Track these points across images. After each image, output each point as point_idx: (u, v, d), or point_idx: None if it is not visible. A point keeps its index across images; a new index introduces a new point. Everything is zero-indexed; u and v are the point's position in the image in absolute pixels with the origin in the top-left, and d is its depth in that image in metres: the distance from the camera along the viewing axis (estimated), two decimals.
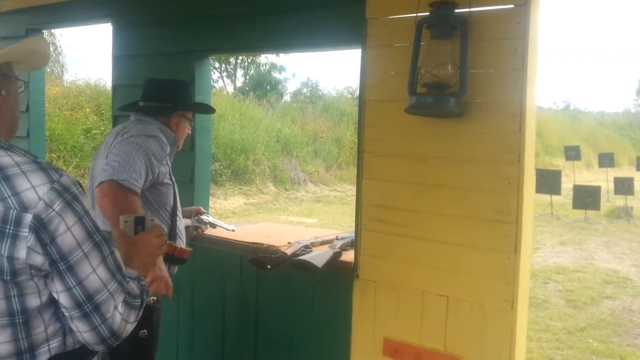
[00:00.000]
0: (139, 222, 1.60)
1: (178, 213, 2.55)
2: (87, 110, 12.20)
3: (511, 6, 2.13)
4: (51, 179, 1.21)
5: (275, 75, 22.16)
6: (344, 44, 2.60)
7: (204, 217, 2.91)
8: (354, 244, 2.70)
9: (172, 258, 2.35)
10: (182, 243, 2.54)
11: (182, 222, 2.61)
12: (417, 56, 2.24)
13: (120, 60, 3.32)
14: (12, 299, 1.20)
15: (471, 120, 2.22)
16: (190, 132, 2.63)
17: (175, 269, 2.53)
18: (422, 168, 2.34)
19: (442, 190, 2.30)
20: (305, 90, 25.27)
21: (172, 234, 2.49)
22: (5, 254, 1.16)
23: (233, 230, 2.98)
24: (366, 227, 2.51)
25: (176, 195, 2.53)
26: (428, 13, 2.22)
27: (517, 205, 2.15)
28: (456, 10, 2.19)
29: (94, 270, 1.24)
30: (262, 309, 2.90)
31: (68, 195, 1.22)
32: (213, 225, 2.93)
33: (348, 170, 16.57)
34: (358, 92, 2.53)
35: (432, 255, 2.32)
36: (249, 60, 20.86)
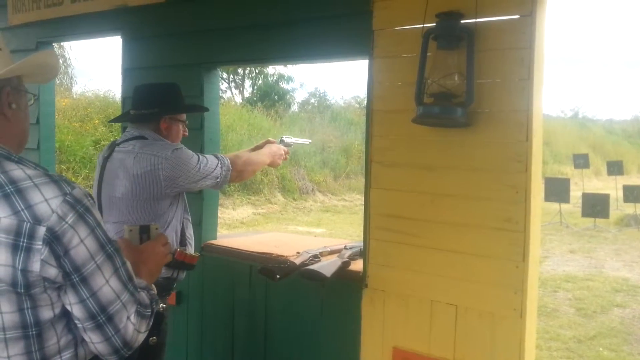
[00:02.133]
0: (144, 231, 1.63)
1: (187, 217, 2.59)
2: (96, 121, 12.31)
3: (517, 16, 2.15)
4: (63, 191, 1.23)
5: (283, 85, 22.27)
6: (351, 55, 2.62)
7: (284, 138, 3.02)
8: (362, 254, 2.71)
9: (183, 264, 2.37)
10: (191, 249, 2.58)
11: (190, 228, 2.64)
12: (424, 67, 2.26)
13: (130, 72, 3.36)
14: (26, 311, 1.21)
15: (478, 130, 2.23)
16: (186, 134, 2.63)
17: (184, 274, 2.56)
18: (430, 177, 2.36)
19: (450, 200, 2.31)
20: (313, 100, 25.36)
21: (183, 239, 2.54)
22: (20, 267, 1.17)
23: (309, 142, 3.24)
24: (375, 236, 2.52)
25: (185, 201, 2.58)
26: (434, 24, 2.24)
27: (525, 213, 2.15)
28: (462, 21, 2.21)
29: (107, 281, 1.26)
30: (271, 318, 2.91)
31: (80, 208, 1.23)
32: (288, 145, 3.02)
33: (356, 179, 16.58)
34: (366, 102, 2.55)
35: (440, 264, 2.33)
36: (257, 71, 20.97)
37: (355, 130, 18.72)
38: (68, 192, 1.23)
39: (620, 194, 14.19)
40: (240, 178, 2.68)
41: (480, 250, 2.24)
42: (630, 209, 13.48)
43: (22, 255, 1.17)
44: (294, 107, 23.30)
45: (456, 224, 2.30)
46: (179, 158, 2.41)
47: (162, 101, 2.53)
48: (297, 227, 11.99)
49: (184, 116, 2.62)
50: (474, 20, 2.20)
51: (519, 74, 2.15)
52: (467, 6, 2.22)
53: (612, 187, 16.01)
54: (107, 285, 1.25)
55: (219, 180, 2.52)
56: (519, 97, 2.15)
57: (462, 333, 2.30)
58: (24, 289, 1.19)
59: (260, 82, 21.96)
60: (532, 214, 2.16)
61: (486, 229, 2.23)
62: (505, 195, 2.19)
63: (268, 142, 2.89)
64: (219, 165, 2.52)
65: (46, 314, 1.23)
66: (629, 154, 29.13)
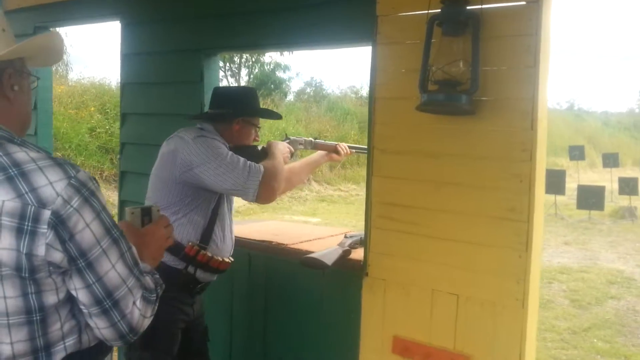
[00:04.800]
0: (146, 213, 1.58)
1: (222, 217, 2.49)
2: (92, 109, 12.23)
3: (523, 3, 2.13)
4: (68, 174, 1.20)
5: (280, 74, 22.17)
6: (354, 42, 2.59)
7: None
8: (363, 242, 2.70)
9: (193, 260, 2.35)
10: (219, 249, 2.47)
11: (229, 230, 2.55)
12: (429, 53, 2.23)
13: (129, 58, 3.31)
14: (30, 296, 1.19)
15: (483, 118, 2.21)
16: (258, 139, 2.61)
17: (211, 276, 2.49)
18: (433, 165, 2.34)
19: (454, 188, 2.29)
20: (309, 89, 25.27)
21: (206, 238, 2.43)
22: (24, 251, 1.15)
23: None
24: (376, 224, 2.50)
25: (224, 200, 2.49)
26: (439, 10, 2.21)
27: (529, 203, 2.14)
28: (468, 7, 2.18)
29: (113, 266, 1.24)
30: (271, 307, 2.90)
31: (85, 191, 1.21)
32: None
33: (352, 169, 16.57)
34: (368, 90, 2.52)
35: (442, 253, 2.32)
36: (253, 59, 20.87)
37: (351, 120, 18.69)
38: (73, 175, 1.21)
39: (615, 186, 14.23)
40: (274, 192, 2.43)
41: (482, 239, 2.23)
42: (625, 201, 13.54)
43: (26, 238, 1.15)
44: (290, 97, 23.24)
45: (459, 212, 2.28)
46: (201, 145, 2.34)
47: (238, 103, 2.52)
48: (292, 217, 11.98)
49: (258, 120, 2.60)
50: (479, 6, 2.17)
51: (525, 61, 2.12)
52: None
53: (607, 180, 16.05)
54: (113, 270, 1.23)
55: (244, 189, 2.33)
56: (524, 85, 2.13)
57: (463, 322, 2.29)
58: (28, 273, 1.17)
59: (256, 70, 21.87)
60: (536, 204, 2.15)
61: (489, 218, 2.21)
62: (510, 184, 2.17)
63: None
64: (249, 173, 2.32)
65: (50, 299, 1.21)
66: (624, 146, 29.20)
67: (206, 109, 2.99)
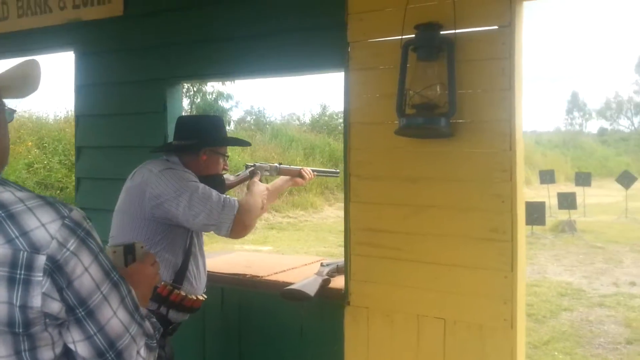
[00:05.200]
0: (129, 251, 1.47)
1: (195, 253, 2.38)
2: (29, 143, 11.76)
3: (496, 27, 2.16)
4: (61, 214, 1.09)
5: (222, 103, 21.99)
6: (326, 68, 2.57)
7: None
8: (340, 270, 2.65)
9: (165, 300, 2.23)
10: (193, 287, 2.36)
11: (202, 266, 2.44)
12: (405, 78, 2.24)
13: (85, 89, 3.18)
14: (23, 354, 1.06)
15: (461, 140, 2.22)
16: (227, 168, 2.50)
17: (183, 316, 2.36)
18: (413, 189, 2.32)
19: (435, 211, 2.28)
20: (249, 117, 25.13)
21: (180, 277, 2.31)
22: (18, 303, 1.03)
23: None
24: (356, 251, 2.46)
25: (196, 234, 2.38)
26: (413, 35, 2.23)
27: (512, 223, 2.15)
28: (442, 32, 2.20)
29: (115, 313, 1.12)
30: (247, 344, 2.78)
31: (81, 232, 1.10)
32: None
33: (299, 196, 16.51)
34: (343, 115, 2.50)
35: (426, 278, 2.29)
36: (195, 89, 20.62)
37: (296, 147, 18.70)
38: (66, 214, 1.09)
39: (553, 201, 14.71)
40: (246, 228, 2.33)
41: (467, 261, 2.22)
42: (564, 215, 13.99)
43: (19, 289, 1.02)
44: (231, 126, 23.01)
45: (441, 235, 2.27)
46: (170, 178, 2.23)
47: (204, 132, 2.41)
48: (243, 246, 11.75)
49: (226, 150, 2.49)
50: (453, 31, 2.20)
51: (501, 84, 2.15)
52: (446, 17, 2.21)
53: (543, 196, 16.54)
54: (114, 317, 1.12)
55: (218, 224, 2.22)
56: (501, 107, 2.16)
57: (451, 347, 2.26)
58: (22, 328, 1.04)
59: (198, 100, 21.61)
60: (519, 223, 2.17)
61: (473, 240, 2.21)
62: (491, 205, 2.18)
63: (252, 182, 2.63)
64: (223, 207, 2.22)
65: (46, 355, 1.09)
66: (555, 164, 30.38)
67: (170, 139, 2.90)
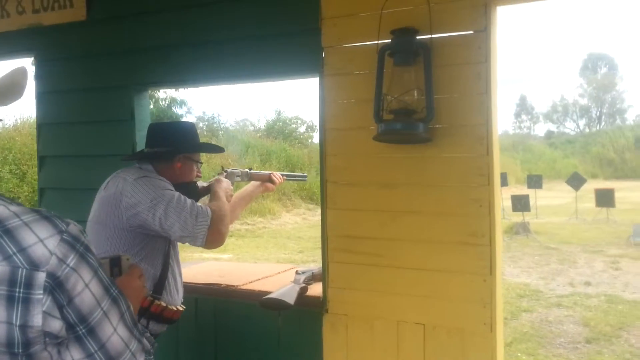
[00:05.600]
0: (115, 264, 1.42)
1: (172, 263, 2.32)
2: None
3: (471, 32, 2.18)
4: (59, 229, 1.04)
5: (176, 109, 21.65)
6: (300, 73, 2.54)
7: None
8: (317, 277, 2.63)
9: (146, 312, 2.16)
10: (172, 298, 2.30)
11: (179, 276, 2.38)
12: (381, 83, 2.23)
13: (46, 96, 3.06)
14: None
15: (439, 145, 2.22)
16: (200, 175, 2.45)
17: (162, 327, 2.28)
18: (390, 195, 2.32)
19: (413, 217, 2.28)
20: (201, 124, 24.83)
21: (159, 287, 2.24)
22: (18, 323, 0.98)
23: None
24: (334, 259, 2.43)
25: (170, 244, 2.31)
26: (389, 40, 2.22)
27: (490, 227, 2.17)
28: (418, 37, 2.21)
29: (115, 329, 1.08)
30: (223, 355, 2.72)
31: (80, 247, 1.06)
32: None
33: (257, 202, 16.38)
34: (318, 121, 2.47)
35: (405, 283, 2.29)
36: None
37: (252, 152, 18.60)
38: (64, 229, 1.05)
39: (506, 204, 15.05)
40: (222, 236, 2.26)
41: (446, 266, 2.22)
42: (518, 217, 14.33)
43: (19, 308, 0.98)
44: None
45: (420, 241, 2.27)
46: (146, 186, 2.16)
47: (177, 139, 2.34)
48: (202, 255, 11.59)
49: (199, 156, 2.43)
50: (429, 36, 2.21)
51: (477, 88, 2.17)
52: (421, 23, 2.22)
53: None
54: (115, 334, 1.08)
55: (193, 235, 2.14)
56: (478, 111, 2.17)
57: (431, 352, 2.26)
58: (22, 348, 0.99)
59: (151, 106, 21.26)
60: (497, 227, 2.18)
61: (451, 245, 2.22)
62: (469, 209, 2.19)
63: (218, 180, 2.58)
64: (197, 218, 2.14)
65: None
66: (505, 167, 31.13)
67: (139, 147, 2.82)
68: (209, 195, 2.48)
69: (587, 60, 56.37)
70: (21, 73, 1.20)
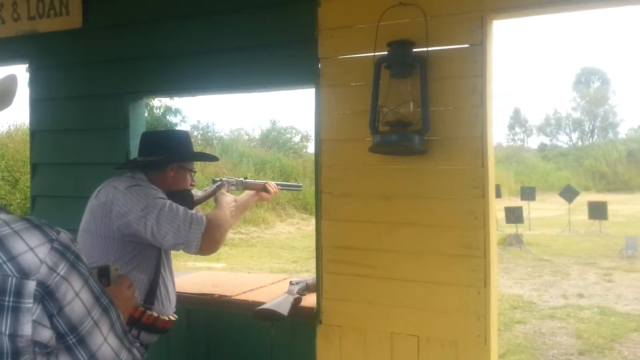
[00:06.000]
0: (104, 274, 1.42)
1: (164, 272, 2.30)
2: None
3: (467, 45, 2.19)
4: (49, 237, 1.04)
5: (170, 118, 21.63)
6: (296, 84, 2.54)
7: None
8: (311, 288, 2.62)
9: (138, 322, 2.14)
10: (164, 308, 2.28)
11: (172, 285, 2.36)
12: (377, 95, 2.24)
13: (40, 104, 3.06)
14: None
15: (434, 157, 2.23)
16: (194, 184, 2.44)
17: (153, 337, 2.26)
18: (385, 206, 2.32)
19: (408, 228, 2.28)
20: (196, 132, 24.82)
21: (151, 296, 2.23)
22: (7, 332, 0.97)
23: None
24: (328, 269, 2.43)
25: (162, 253, 2.30)
26: (386, 52, 2.23)
27: (484, 239, 2.17)
28: (414, 50, 2.22)
29: (105, 339, 1.08)
30: None
31: (71, 255, 1.05)
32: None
33: (251, 211, 16.35)
34: (314, 131, 2.47)
35: (399, 295, 2.28)
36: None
37: (247, 162, 18.59)
38: (54, 237, 1.05)
39: (500, 215, 15.08)
40: (216, 244, 2.26)
41: (440, 278, 2.22)
42: (511, 229, 14.36)
43: (9, 317, 0.97)
44: None
45: (414, 252, 2.27)
46: (137, 195, 2.15)
47: (171, 148, 2.33)
48: (195, 263, 11.55)
49: (193, 165, 2.43)
50: (425, 49, 2.22)
51: (473, 101, 2.18)
52: (418, 35, 2.23)
53: None
54: (105, 343, 1.08)
55: (186, 242, 2.14)
56: (473, 124, 2.18)
57: None
58: (11, 357, 0.98)
59: (146, 114, 21.24)
60: (491, 239, 2.19)
61: (446, 256, 2.22)
62: (464, 221, 2.19)
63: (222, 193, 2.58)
64: (191, 225, 2.14)
65: None
66: (499, 179, 31.21)
67: (132, 156, 2.81)
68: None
69: (580, 75, 56.70)
70: (11, 80, 1.19)
